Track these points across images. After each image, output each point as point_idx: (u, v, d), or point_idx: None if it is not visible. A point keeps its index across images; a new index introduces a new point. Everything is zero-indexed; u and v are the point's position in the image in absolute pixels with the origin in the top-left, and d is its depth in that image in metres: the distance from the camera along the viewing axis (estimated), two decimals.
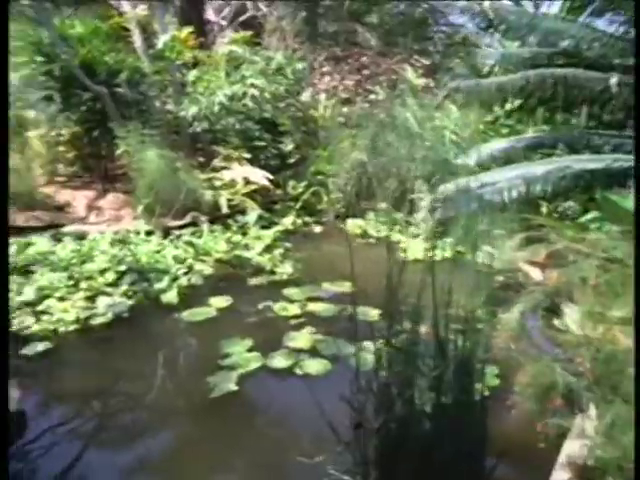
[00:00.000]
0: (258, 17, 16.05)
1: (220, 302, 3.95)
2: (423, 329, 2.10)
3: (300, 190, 6.03)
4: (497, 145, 4.50)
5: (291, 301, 3.99)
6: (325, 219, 6.02)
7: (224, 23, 15.84)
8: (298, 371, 3.08)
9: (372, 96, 7.81)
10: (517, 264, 4.25)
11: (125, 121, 5.53)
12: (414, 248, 4.86)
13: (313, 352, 3.27)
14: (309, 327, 3.58)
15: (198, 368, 3.23)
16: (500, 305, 2.81)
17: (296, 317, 3.75)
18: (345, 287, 4.25)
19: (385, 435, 1.89)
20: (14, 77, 5.99)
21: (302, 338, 3.44)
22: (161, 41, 6.46)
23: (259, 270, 4.57)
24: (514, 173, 3.74)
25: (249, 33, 8.19)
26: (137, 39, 6.74)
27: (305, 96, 7.25)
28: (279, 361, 3.18)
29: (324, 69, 8.90)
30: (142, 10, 8.03)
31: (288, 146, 6.34)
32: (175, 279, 4.22)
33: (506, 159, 4.29)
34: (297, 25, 11.90)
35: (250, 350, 3.29)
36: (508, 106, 5.42)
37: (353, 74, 8.60)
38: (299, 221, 5.84)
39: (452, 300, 2.14)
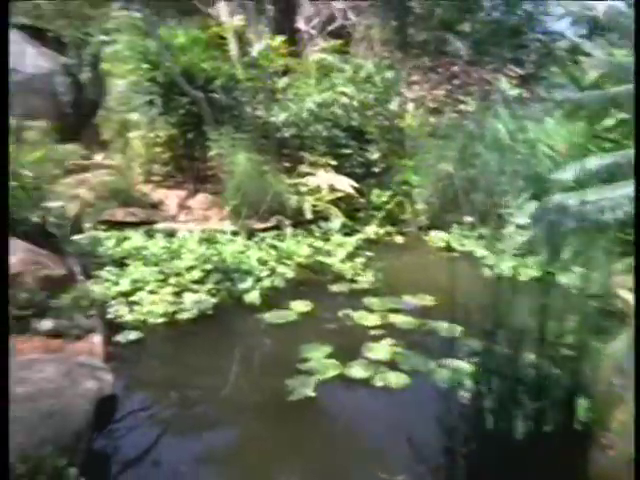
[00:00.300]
0: (347, 26, 16.17)
1: (301, 306, 3.99)
2: (516, 352, 2.00)
3: (384, 199, 5.99)
4: (599, 160, 4.22)
5: (371, 311, 3.96)
6: (408, 230, 5.93)
7: (314, 32, 16.10)
8: (376, 383, 3.04)
9: (462, 106, 7.62)
10: (615, 290, 3.96)
11: (218, 125, 5.77)
12: (500, 265, 4.68)
13: (392, 365, 3.22)
14: (388, 339, 3.52)
15: (277, 370, 3.27)
16: (598, 333, 2.62)
17: (376, 327, 3.71)
18: (426, 300, 4.17)
19: (475, 462, 1.80)
20: (122, 83, 6.44)
21: (381, 349, 3.39)
22: (255, 49, 6.68)
23: (340, 277, 4.57)
24: (619, 192, 3.48)
25: (339, 42, 8.29)
26: (233, 47, 7.01)
27: (393, 105, 7.19)
28: (357, 371, 3.15)
29: (413, 78, 8.81)
30: (239, 20, 8.36)
31: (374, 155, 6.32)
32: (258, 280, 4.32)
33: (609, 176, 4.02)
34: (385, 34, 11.89)
35: (329, 357, 3.29)
36: (609, 121, 5.09)
37: (443, 84, 8.44)
38: (381, 230, 5.79)
39: (544, 323, 2.02)
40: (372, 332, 3.64)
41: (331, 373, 3.12)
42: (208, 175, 6.76)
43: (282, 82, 6.54)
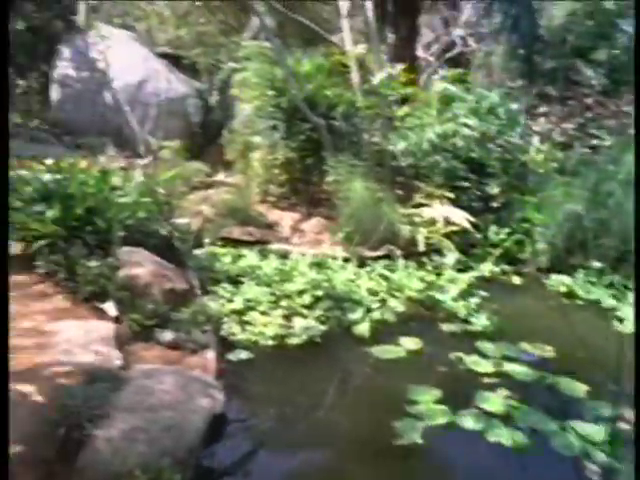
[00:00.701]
0: (466, 53, 15.89)
1: (410, 343, 3.86)
2: None
3: (502, 236, 5.68)
4: None
5: (484, 356, 3.72)
6: (526, 270, 5.57)
7: (432, 59, 16.01)
8: (489, 438, 2.83)
9: (595, 141, 7.08)
10: None
11: (337, 152, 5.85)
12: (633, 318, 4.22)
13: (507, 419, 2.98)
14: (503, 389, 3.28)
15: (383, 408, 3.17)
16: None
17: (489, 375, 3.48)
18: (546, 351, 3.85)
19: None
20: (249, 107, 6.79)
21: (495, 401, 3.16)
22: (377, 78, 6.72)
23: (452, 316, 4.38)
24: None
25: (460, 71, 8.11)
26: (354, 75, 7.11)
27: (516, 137, 6.87)
28: (468, 421, 2.96)
29: (539, 109, 8.37)
30: (361, 48, 8.50)
31: (493, 189, 6.05)
32: (368, 311, 4.26)
33: None
34: (508, 61, 11.47)
35: (438, 402, 3.13)
36: None
37: (573, 116, 7.92)
38: (497, 269, 5.49)
39: None
40: (485, 380, 3.42)
41: (440, 420, 2.96)
42: (322, 199, 6.87)
43: (402, 111, 6.50)
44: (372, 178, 5.68)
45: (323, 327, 4.01)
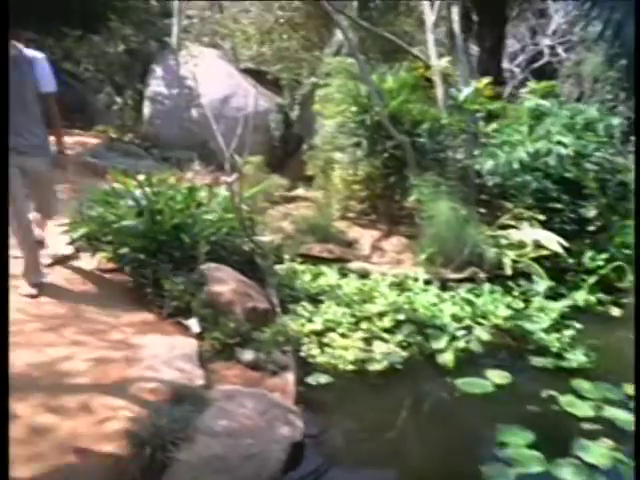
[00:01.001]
0: (552, 63, 15.11)
1: (498, 377, 3.62)
2: None
3: (599, 263, 5.26)
4: None
5: (582, 397, 3.42)
6: (626, 301, 5.11)
7: (517, 70, 15.37)
8: None
9: None
10: None
11: (421, 170, 5.69)
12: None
13: (613, 475, 2.70)
14: (605, 438, 2.98)
15: (468, 448, 2.98)
16: None
17: (588, 420, 3.18)
18: None
19: None
20: (331, 123, 6.78)
21: (596, 451, 2.87)
22: (463, 93, 6.49)
23: (543, 349, 4.07)
24: None
25: (551, 83, 7.68)
26: (439, 90, 6.91)
27: (616, 155, 6.37)
28: (567, 473, 2.70)
29: None
30: (445, 62, 8.28)
31: (590, 211, 5.63)
32: (452, 339, 4.05)
33: None
34: (603, 71, 10.78)
35: (530, 446, 2.89)
36: None
37: None
38: (592, 298, 5.08)
39: None
40: (584, 425, 3.13)
41: (534, 468, 2.73)
42: (403, 217, 6.71)
43: (490, 127, 6.23)
44: (457, 197, 5.46)
45: (404, 353, 3.86)
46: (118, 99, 10.70)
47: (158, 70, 10.42)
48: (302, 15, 11.66)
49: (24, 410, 2.57)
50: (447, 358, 3.80)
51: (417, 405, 3.43)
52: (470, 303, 4.69)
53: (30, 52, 3.56)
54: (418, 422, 3.28)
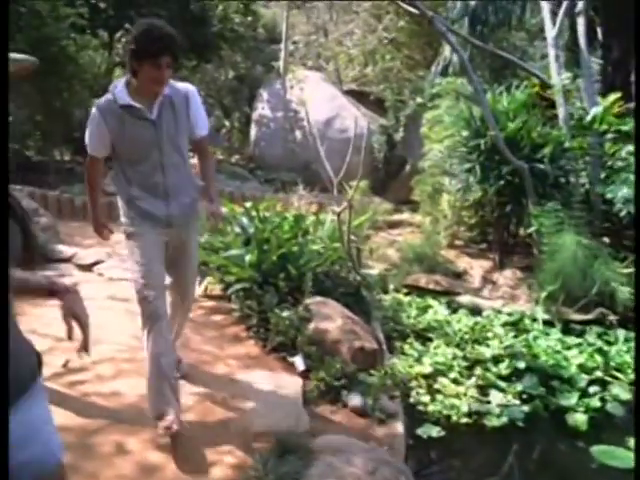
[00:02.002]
0: None
1: None
2: None
3: None
4: None
5: None
6: None
7: None
8: None
9: None
10: None
11: (541, 198, 5.21)
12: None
13: None
14: None
15: None
16: None
17: None
18: None
19: None
20: (439, 147, 6.48)
21: None
22: (592, 112, 5.91)
23: None
24: None
25: None
26: (561, 110, 6.36)
27: None
28: None
29: None
30: (566, 78, 7.65)
31: None
32: (583, 395, 3.57)
33: None
34: None
35: None
36: None
37: None
38: None
39: None
40: None
41: None
42: (515, 246, 6.22)
43: (624, 150, 5.58)
44: (582, 229, 4.91)
45: (526, 408, 3.45)
46: (226, 122, 11.15)
47: (265, 94, 10.72)
48: (406, 34, 11.49)
49: (134, 445, 2.56)
50: (579, 419, 3.33)
51: (544, 472, 3.01)
52: (601, 352, 4.15)
53: (182, 85, 2.58)
54: None
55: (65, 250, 5.26)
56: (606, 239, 5.68)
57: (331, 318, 3.68)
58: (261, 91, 10.79)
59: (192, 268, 2.84)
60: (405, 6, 6.76)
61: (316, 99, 10.45)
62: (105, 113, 2.46)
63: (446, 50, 9.06)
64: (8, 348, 0.87)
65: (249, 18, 10.92)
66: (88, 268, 5.09)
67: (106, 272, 4.98)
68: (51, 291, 1.35)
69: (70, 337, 1.37)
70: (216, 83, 11.32)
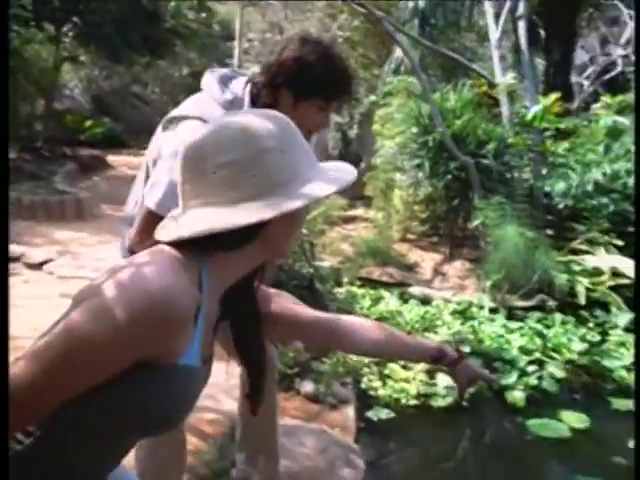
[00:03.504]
0: (626, 73, 14.33)
1: (574, 420, 3.34)
2: None
3: None
4: None
5: None
6: None
7: (586, 83, 14.71)
8: None
9: None
10: None
11: (486, 192, 5.47)
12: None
13: None
14: None
15: None
16: None
17: None
18: None
19: None
20: (390, 144, 6.67)
21: None
22: (532, 110, 6.22)
23: (624, 390, 3.74)
24: None
25: (628, 97, 7.26)
26: (505, 108, 6.66)
27: None
28: None
29: None
30: (510, 78, 8.00)
31: None
32: (522, 375, 3.80)
33: None
34: None
35: None
36: None
37: None
38: None
39: None
40: None
41: None
42: (465, 239, 6.47)
43: (560, 147, 5.92)
44: (525, 221, 5.19)
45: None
46: None
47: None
48: (361, 34, 11.67)
49: None
50: (517, 396, 3.55)
51: (484, 447, 3.22)
52: (540, 335, 4.41)
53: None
54: (484, 465, 3.06)
55: (13, 249, 5.16)
56: (549, 231, 6.02)
57: None
58: None
59: None
60: (355, 6, 6.91)
61: None
62: None
63: (398, 50, 9.27)
64: (8, 346, 0.88)
65: (203, 14, 10.87)
66: (37, 267, 5.02)
67: (56, 270, 4.93)
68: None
69: None
70: (170, 80, 11.22)
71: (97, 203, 7.56)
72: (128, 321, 0.75)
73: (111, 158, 10.63)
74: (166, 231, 0.89)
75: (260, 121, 0.87)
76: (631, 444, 3.10)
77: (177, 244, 0.86)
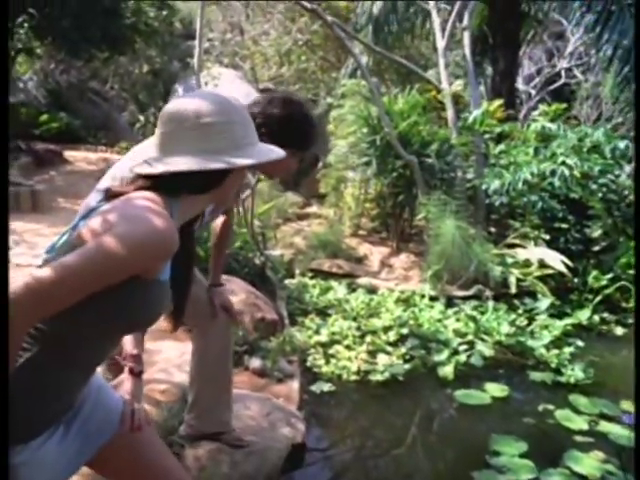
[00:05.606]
0: (570, 85, 15.18)
1: (496, 390, 3.74)
2: None
3: (603, 282, 5.34)
4: None
5: (577, 412, 3.51)
6: (631, 321, 5.18)
7: (533, 92, 15.49)
8: None
9: None
10: None
11: (429, 189, 5.87)
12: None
13: None
14: (597, 451, 3.07)
15: (462, 455, 3.11)
16: None
17: (582, 433, 3.27)
18: None
19: None
20: (343, 143, 7.02)
21: (587, 463, 2.97)
22: (473, 115, 6.67)
23: (542, 365, 4.18)
24: None
25: (562, 106, 7.82)
26: (449, 112, 7.10)
27: (623, 177, 6.48)
28: None
29: None
30: (457, 85, 8.49)
31: (595, 232, 5.73)
32: (454, 353, 4.18)
33: None
34: (615, 94, 10.85)
35: (523, 456, 3.00)
36: None
37: None
38: (596, 318, 5.16)
39: None
40: (577, 438, 3.22)
41: (524, 476, 2.83)
42: (412, 234, 6.88)
43: (497, 149, 6.39)
44: (464, 216, 5.61)
45: (407, 366, 4.00)
46: (141, 117, 11.12)
47: (180, 90, 10.82)
48: (320, 37, 12.00)
49: None
50: (447, 371, 3.93)
51: (416, 413, 3.55)
52: (474, 320, 4.82)
53: None
54: (415, 429, 3.40)
55: None
56: (492, 228, 6.49)
57: (235, 293, 4.04)
58: (176, 86, 10.89)
59: None
60: (308, 11, 7.21)
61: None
62: None
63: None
64: (7, 345, 0.99)
65: (164, 12, 10.96)
66: None
67: (13, 259, 5.01)
68: None
69: None
70: (130, 77, 11.25)
71: (53, 196, 7.61)
72: (144, 248, 1.02)
73: (68, 153, 10.59)
74: (150, 168, 1.13)
75: (230, 99, 1.24)
76: (541, 408, 3.52)
77: (153, 187, 1.12)
